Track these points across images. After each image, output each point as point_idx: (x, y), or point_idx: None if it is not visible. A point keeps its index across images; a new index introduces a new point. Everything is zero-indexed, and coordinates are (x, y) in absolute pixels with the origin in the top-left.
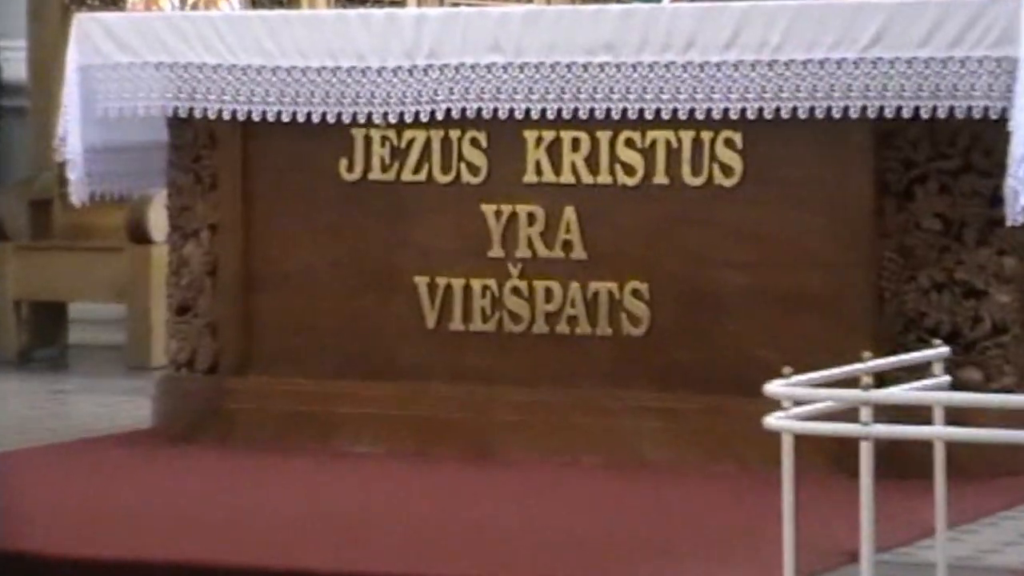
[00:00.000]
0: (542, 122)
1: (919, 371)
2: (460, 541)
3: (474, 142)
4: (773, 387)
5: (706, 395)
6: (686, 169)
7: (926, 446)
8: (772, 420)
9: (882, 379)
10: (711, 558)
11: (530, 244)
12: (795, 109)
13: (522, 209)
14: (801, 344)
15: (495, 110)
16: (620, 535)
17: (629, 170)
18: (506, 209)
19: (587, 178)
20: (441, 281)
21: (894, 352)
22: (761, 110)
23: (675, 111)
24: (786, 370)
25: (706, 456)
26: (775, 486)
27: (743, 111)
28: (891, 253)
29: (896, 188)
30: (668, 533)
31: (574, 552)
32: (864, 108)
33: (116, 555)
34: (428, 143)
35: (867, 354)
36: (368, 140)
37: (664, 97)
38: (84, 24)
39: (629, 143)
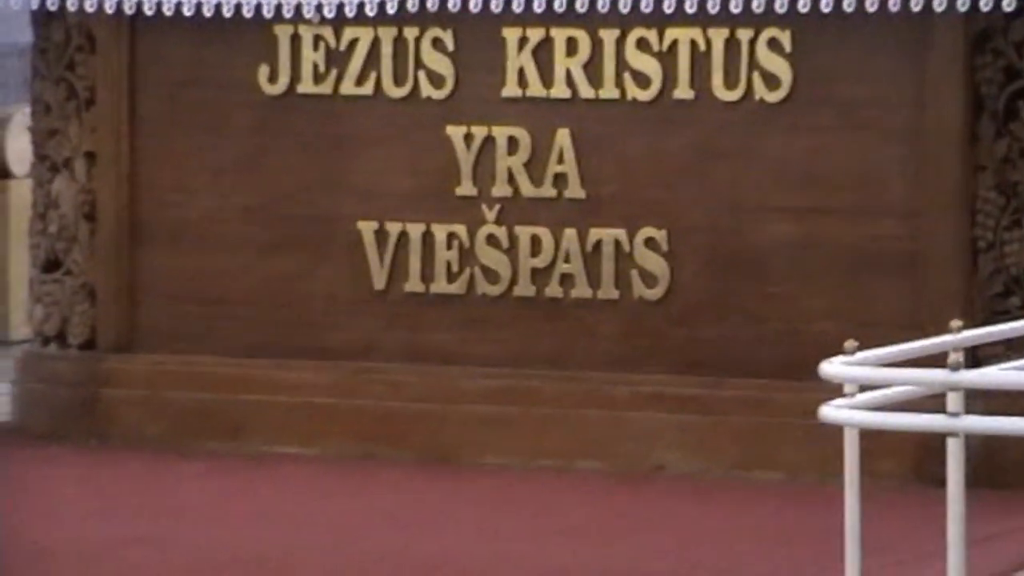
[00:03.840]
0: (526, 16)
1: (1018, 352)
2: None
3: (437, 44)
4: (832, 367)
5: (743, 380)
6: (717, 80)
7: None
8: (831, 410)
9: (977, 357)
10: None
11: (511, 179)
12: (860, 1)
13: (500, 132)
14: (868, 313)
15: (464, 1)
16: (624, 566)
17: (642, 81)
18: (479, 132)
19: (586, 92)
20: (393, 228)
21: (992, 321)
22: (815, 4)
23: (703, 2)
24: (848, 345)
25: (743, 462)
26: (835, 499)
27: (791, 5)
28: (988, 192)
29: (994, 106)
30: (689, 566)
31: None
32: (952, 1)
33: None
34: (375, 44)
35: (957, 324)
36: (296, 41)
37: None
38: None
39: (642, 45)
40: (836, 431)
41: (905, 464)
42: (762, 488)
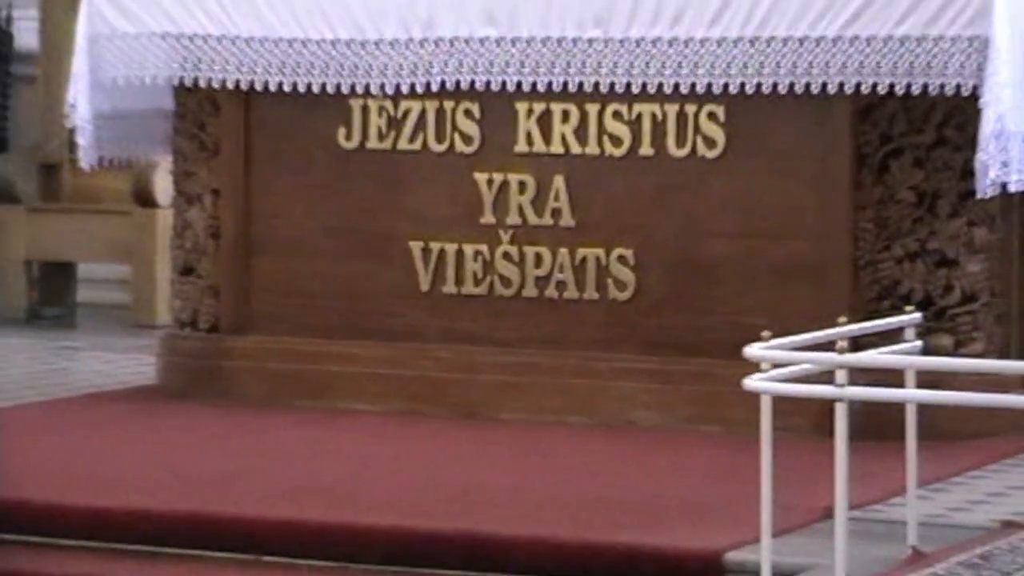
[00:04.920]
0: (533, 94)
1: (893, 336)
2: (448, 499)
3: (467, 113)
4: (752, 350)
5: (693, 358)
6: (671, 141)
7: (899, 409)
8: (751, 382)
9: (858, 344)
10: (693, 518)
11: (521, 211)
12: (776, 85)
13: (513, 178)
14: (786, 310)
15: (488, 82)
16: (605, 496)
17: (616, 141)
18: (498, 177)
19: (576, 149)
20: (435, 246)
21: (869, 318)
22: (744, 85)
23: (661, 85)
24: (765, 334)
25: (692, 419)
26: (757, 446)
27: (726, 86)
28: (867, 224)
29: (873, 161)
30: (652, 492)
31: (559, 512)
32: (843, 84)
33: (117, 504)
34: (423, 113)
35: (843, 319)
36: (365, 110)
37: (650, 71)
38: None
39: (616, 115)
40: (757, 397)
41: (809, 421)
42: (707, 438)
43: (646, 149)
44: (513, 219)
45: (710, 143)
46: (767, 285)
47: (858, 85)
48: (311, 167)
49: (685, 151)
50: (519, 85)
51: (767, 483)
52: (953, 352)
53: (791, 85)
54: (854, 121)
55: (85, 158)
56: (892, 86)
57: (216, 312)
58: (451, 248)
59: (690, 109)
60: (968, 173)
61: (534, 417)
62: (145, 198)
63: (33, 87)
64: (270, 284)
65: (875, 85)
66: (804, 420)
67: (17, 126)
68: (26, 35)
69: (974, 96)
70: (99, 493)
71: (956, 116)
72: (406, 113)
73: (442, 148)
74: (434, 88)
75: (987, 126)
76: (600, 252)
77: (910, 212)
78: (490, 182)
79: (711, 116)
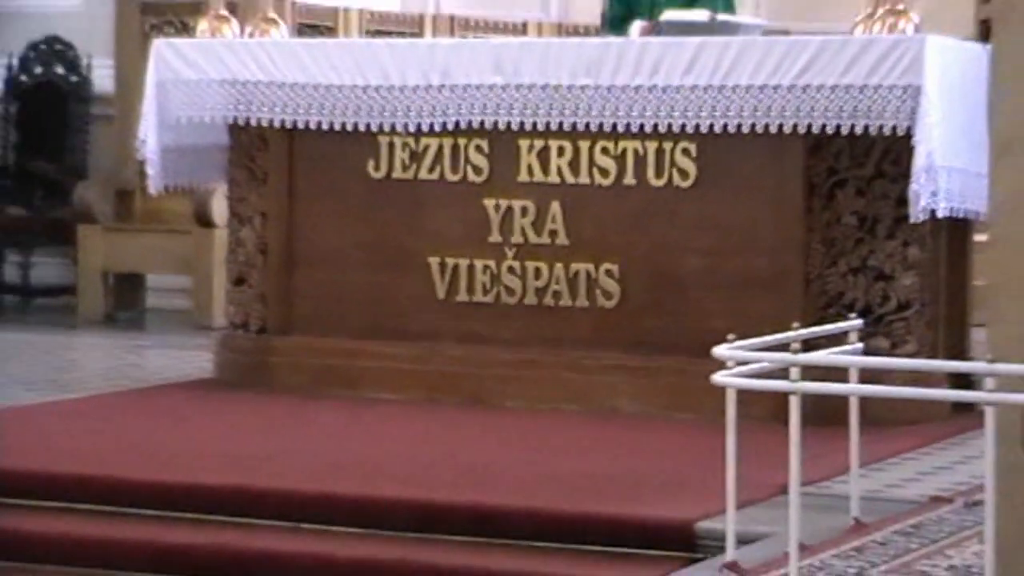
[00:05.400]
0: (533, 132)
1: (838, 339)
2: (459, 475)
3: (478, 148)
4: (719, 350)
5: (668, 357)
6: (650, 172)
7: (844, 400)
8: (718, 377)
9: (808, 345)
10: (668, 490)
11: (523, 232)
12: (740, 125)
13: (516, 203)
14: (747, 316)
15: (495, 122)
16: (594, 471)
17: (604, 173)
18: (503, 203)
19: (570, 179)
20: (449, 261)
21: (818, 323)
22: (712, 125)
23: (642, 125)
24: (730, 336)
25: (668, 407)
26: (724, 432)
27: (697, 126)
28: (817, 243)
29: (821, 190)
30: (633, 469)
31: (554, 486)
32: (796, 125)
33: (177, 478)
34: (440, 148)
35: (796, 325)
36: (391, 145)
37: (633, 114)
38: (161, 48)
39: (604, 151)
40: (723, 390)
41: (767, 410)
42: (680, 424)
43: (629, 179)
44: (516, 238)
45: (683, 174)
46: (731, 295)
47: (809, 126)
48: (345, 193)
49: (662, 181)
50: (521, 125)
51: (731, 463)
52: (889, 352)
53: (752, 125)
54: (806, 156)
55: (153, 185)
56: (838, 127)
57: (264, 316)
58: (463, 263)
59: (667, 146)
60: (902, 201)
61: (533, 405)
62: (204, 219)
63: (109, 125)
64: (309, 292)
65: (823, 126)
66: (763, 410)
67: (95, 158)
68: (103, 81)
69: (907, 135)
70: (162, 468)
71: (892, 152)
72: (425, 148)
73: (456, 178)
74: (449, 127)
75: (919, 161)
76: (590, 266)
77: (853, 233)
78: (497, 207)
79: (684, 151)
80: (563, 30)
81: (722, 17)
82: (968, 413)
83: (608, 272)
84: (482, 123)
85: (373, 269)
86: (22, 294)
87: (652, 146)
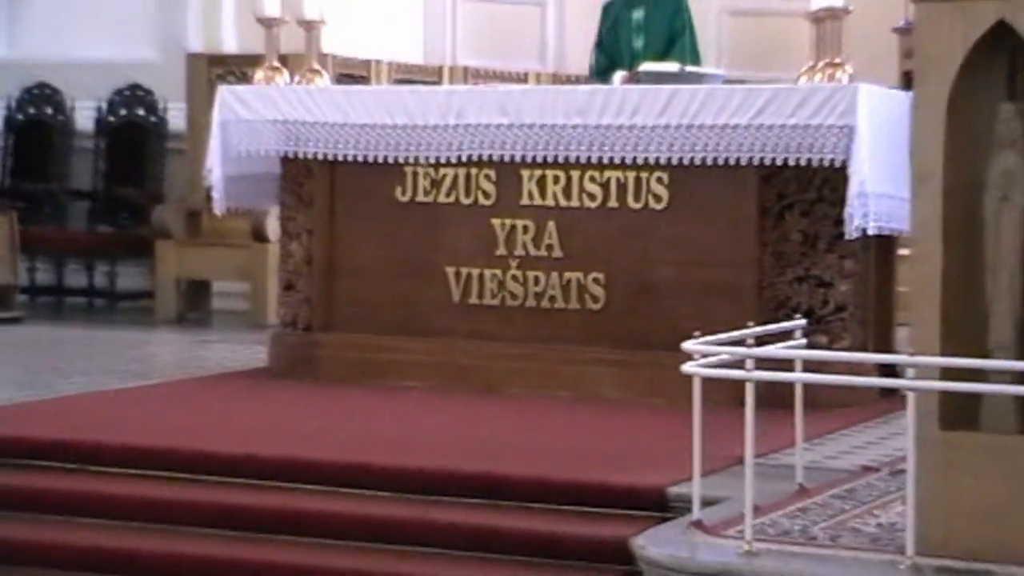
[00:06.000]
0: (533, 164)
1: (786, 336)
2: (471, 448)
3: (487, 177)
4: (687, 345)
5: (645, 351)
6: (630, 197)
7: (790, 387)
8: (686, 368)
9: (761, 341)
10: (644, 461)
11: (524, 246)
12: (704, 159)
13: (519, 223)
14: (710, 317)
15: (501, 156)
16: (583, 445)
17: (592, 197)
18: (508, 223)
19: (564, 202)
20: (463, 270)
21: (769, 323)
22: (682, 159)
23: (623, 158)
24: (696, 334)
25: (645, 394)
26: (691, 414)
27: (669, 159)
28: (768, 257)
29: (772, 212)
30: (616, 444)
31: (550, 458)
32: (751, 159)
33: (239, 451)
34: (456, 177)
35: (751, 324)
36: (415, 174)
37: (616, 149)
38: (224, 93)
39: (592, 179)
40: (690, 378)
41: (727, 395)
42: (655, 408)
43: (613, 203)
44: (518, 252)
45: (658, 199)
46: (697, 300)
47: (762, 159)
48: (376, 214)
49: (640, 204)
50: (523, 157)
51: (697, 439)
52: (828, 347)
53: (715, 159)
54: (759, 184)
55: (218, 207)
56: (786, 160)
57: (309, 316)
58: (475, 272)
59: (644, 175)
60: (839, 221)
61: (533, 392)
62: (260, 235)
63: (182, 157)
64: (347, 297)
65: (774, 159)
66: (723, 395)
67: (170, 185)
68: (176, 120)
69: (843, 167)
70: (224, 442)
71: (831, 181)
72: (443, 177)
73: (469, 201)
74: (463, 159)
75: (852, 188)
76: (580, 275)
77: (798, 248)
78: (502, 225)
79: (659, 180)
80: (558, 79)
81: (690, 69)
82: (892, 397)
83: (595, 280)
84: (490, 156)
85: (399, 277)
86: (109, 298)
87: (632, 176)
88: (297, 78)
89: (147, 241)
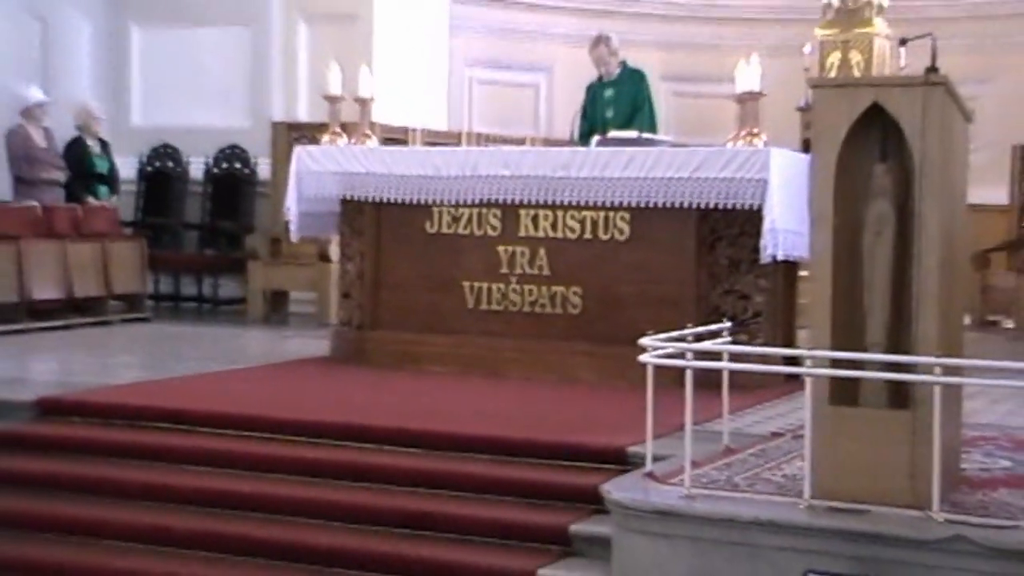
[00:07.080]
0: (529, 205)
1: (716, 335)
2: (480, 417)
3: (494, 215)
4: (643, 341)
5: (612, 346)
6: (601, 231)
7: (719, 372)
8: (642, 358)
9: (698, 338)
10: (610, 427)
11: (522, 267)
12: (658, 203)
13: (518, 249)
14: (661, 321)
15: (505, 199)
16: (565, 415)
17: (572, 231)
18: (510, 249)
19: (552, 234)
20: (476, 285)
21: (704, 325)
22: (640, 203)
23: (596, 202)
24: (649, 333)
25: (611, 377)
26: (645, 392)
27: (631, 203)
28: (704, 276)
29: (707, 243)
30: (589, 414)
31: (540, 423)
32: (692, 203)
33: (310, 418)
34: (471, 215)
35: (690, 326)
36: (440, 212)
37: (591, 195)
38: (299, 152)
39: (572, 217)
40: (644, 366)
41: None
42: (620, 389)
43: (588, 235)
44: (518, 271)
45: (622, 232)
46: (652, 308)
47: (700, 203)
48: (411, 242)
49: (608, 237)
50: (521, 201)
51: (650, 411)
52: (747, 343)
53: (665, 203)
54: (697, 222)
55: (293, 236)
56: (717, 204)
57: (361, 318)
58: (485, 286)
59: (611, 215)
60: (756, 250)
61: (528, 376)
62: (324, 257)
63: (267, 199)
64: (389, 304)
65: (708, 203)
66: (670, 379)
67: (259, 219)
68: (264, 171)
69: (759, 210)
70: (299, 410)
71: (751, 220)
72: (461, 214)
73: (480, 233)
74: (477, 202)
75: (766, 225)
76: (563, 289)
77: (726, 270)
78: (506, 251)
79: (622, 218)
80: (548, 142)
81: (646, 135)
82: (794, 381)
83: (575, 293)
84: (497, 199)
85: (428, 290)
86: (213, 304)
87: (602, 215)
88: (353, 140)
89: (241, 261)
